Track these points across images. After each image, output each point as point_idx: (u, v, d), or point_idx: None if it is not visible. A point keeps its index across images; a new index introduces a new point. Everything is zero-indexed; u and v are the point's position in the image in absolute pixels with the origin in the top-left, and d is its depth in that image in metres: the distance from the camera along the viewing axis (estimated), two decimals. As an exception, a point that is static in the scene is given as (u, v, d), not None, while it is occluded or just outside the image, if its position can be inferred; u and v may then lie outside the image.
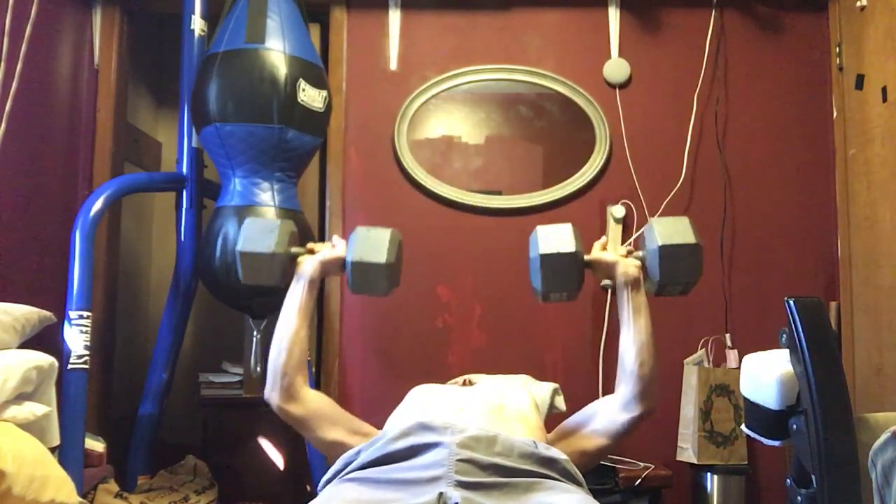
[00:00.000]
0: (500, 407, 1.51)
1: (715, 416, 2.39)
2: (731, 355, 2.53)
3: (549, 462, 1.29)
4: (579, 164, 2.66)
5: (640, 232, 2.42)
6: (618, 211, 2.60)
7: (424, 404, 1.52)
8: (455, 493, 1.16)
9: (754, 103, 2.69)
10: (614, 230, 2.60)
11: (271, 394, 1.53)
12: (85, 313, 2.02)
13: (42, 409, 1.64)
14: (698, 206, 2.64)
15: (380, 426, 1.53)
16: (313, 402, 1.54)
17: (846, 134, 2.57)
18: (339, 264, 1.61)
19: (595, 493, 1.34)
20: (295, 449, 2.66)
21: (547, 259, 1.52)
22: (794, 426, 1.36)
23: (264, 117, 2.14)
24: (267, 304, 2.26)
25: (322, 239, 2.61)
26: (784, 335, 1.37)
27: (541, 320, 2.61)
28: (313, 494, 1.28)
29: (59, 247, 2.25)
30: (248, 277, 1.64)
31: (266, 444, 2.80)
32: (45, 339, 1.92)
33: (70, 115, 2.51)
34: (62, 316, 2.01)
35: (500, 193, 2.68)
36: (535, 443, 1.33)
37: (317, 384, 2.51)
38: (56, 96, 2.43)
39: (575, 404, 1.71)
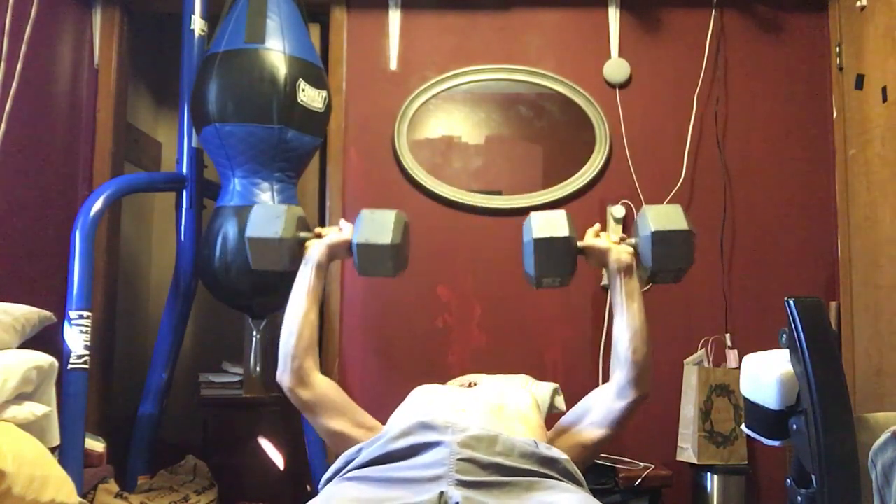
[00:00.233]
0: (501, 407, 1.51)
1: (715, 416, 2.39)
2: (731, 355, 2.54)
3: (550, 462, 1.30)
4: (579, 164, 2.67)
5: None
6: (618, 211, 2.60)
7: (426, 404, 1.52)
8: (456, 493, 1.16)
9: (754, 103, 2.69)
10: (614, 230, 2.60)
11: (283, 376, 1.54)
12: (85, 313, 2.02)
13: (42, 409, 1.64)
14: (698, 205, 2.64)
15: (383, 423, 1.54)
16: (322, 388, 1.55)
17: (846, 134, 2.57)
18: (347, 247, 1.62)
19: (595, 493, 1.34)
20: (295, 449, 2.66)
21: (540, 243, 1.53)
22: (794, 426, 1.36)
23: (264, 117, 2.14)
24: (267, 304, 2.26)
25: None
26: (784, 335, 1.37)
27: (541, 320, 2.61)
28: (313, 494, 1.28)
29: (59, 247, 2.25)
30: (257, 263, 1.65)
31: (266, 444, 2.80)
32: (45, 339, 1.92)
33: (70, 115, 2.51)
34: (62, 316, 2.01)
35: (500, 193, 2.68)
36: (535, 442, 1.33)
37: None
38: (56, 96, 2.42)
39: (575, 404, 1.71)
